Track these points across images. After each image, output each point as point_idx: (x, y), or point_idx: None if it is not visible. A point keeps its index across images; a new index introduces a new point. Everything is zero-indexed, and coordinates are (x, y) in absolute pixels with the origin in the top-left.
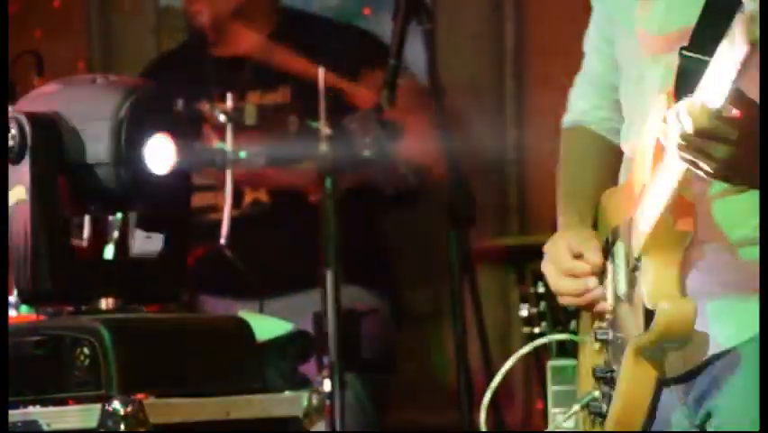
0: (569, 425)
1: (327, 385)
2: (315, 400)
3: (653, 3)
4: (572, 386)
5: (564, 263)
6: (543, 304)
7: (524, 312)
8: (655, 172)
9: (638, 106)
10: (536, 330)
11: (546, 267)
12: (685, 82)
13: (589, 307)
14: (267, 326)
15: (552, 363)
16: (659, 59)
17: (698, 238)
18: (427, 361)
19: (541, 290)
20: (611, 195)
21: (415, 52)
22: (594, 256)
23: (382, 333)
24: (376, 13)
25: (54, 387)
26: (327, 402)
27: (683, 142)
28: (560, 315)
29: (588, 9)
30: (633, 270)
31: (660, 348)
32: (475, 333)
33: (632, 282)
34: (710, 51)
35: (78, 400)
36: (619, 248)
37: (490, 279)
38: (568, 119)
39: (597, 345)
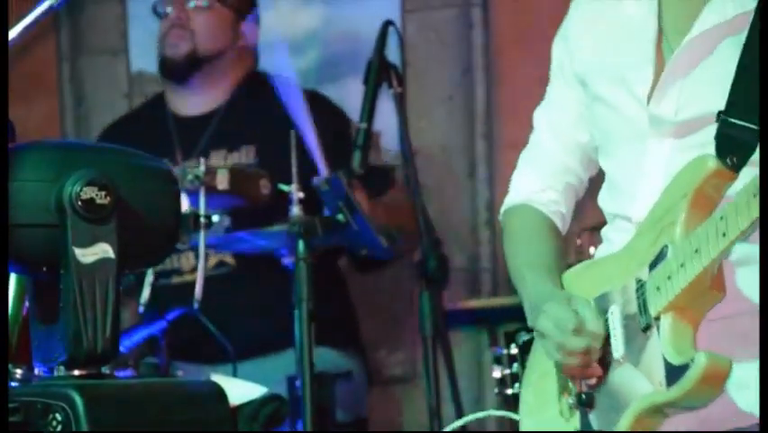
0: None
1: None
2: None
3: (668, 88)
4: None
5: (570, 322)
6: (515, 365)
7: (497, 373)
8: (687, 235)
9: (641, 177)
10: (509, 391)
11: (547, 324)
12: (727, 146)
13: (585, 369)
14: (240, 389)
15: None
16: (664, 140)
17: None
18: (401, 423)
19: (513, 351)
20: (586, 269)
21: (386, 116)
22: (598, 322)
23: (355, 395)
24: (347, 76)
25: None
26: None
27: None
28: None
29: None
30: (645, 329)
31: (673, 409)
32: (448, 395)
33: (637, 343)
34: (748, 117)
35: None
36: (614, 312)
37: (463, 340)
38: (513, 200)
39: (564, 408)
